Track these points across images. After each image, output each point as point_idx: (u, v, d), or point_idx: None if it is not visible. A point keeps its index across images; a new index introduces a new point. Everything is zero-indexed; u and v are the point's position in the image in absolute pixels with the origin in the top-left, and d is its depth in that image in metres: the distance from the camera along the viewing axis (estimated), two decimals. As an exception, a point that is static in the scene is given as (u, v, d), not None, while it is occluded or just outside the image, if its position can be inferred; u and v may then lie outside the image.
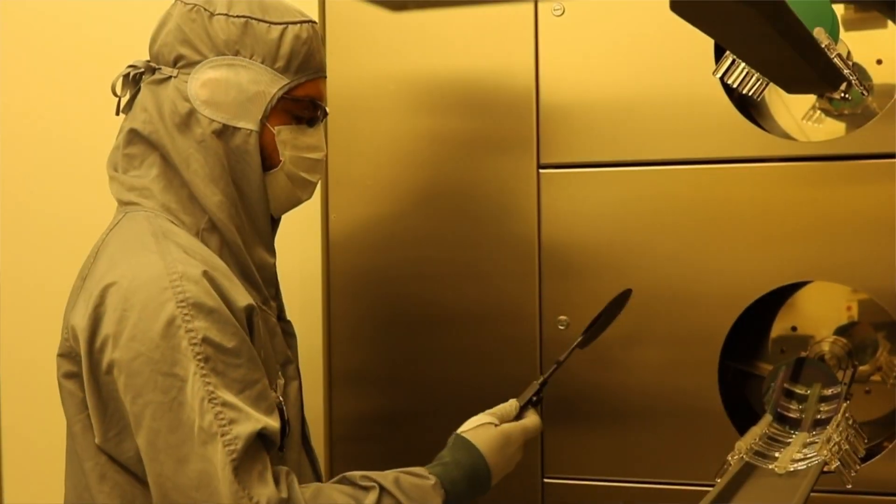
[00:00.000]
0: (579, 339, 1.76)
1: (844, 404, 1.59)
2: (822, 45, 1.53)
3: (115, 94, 1.59)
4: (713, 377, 1.83)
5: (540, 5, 1.92)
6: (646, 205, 1.87)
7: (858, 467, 1.53)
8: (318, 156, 1.63)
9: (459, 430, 1.63)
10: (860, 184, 1.79)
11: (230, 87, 1.53)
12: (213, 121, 1.52)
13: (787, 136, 1.92)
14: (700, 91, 1.83)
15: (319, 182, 1.69)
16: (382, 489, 1.48)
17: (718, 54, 1.75)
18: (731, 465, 1.49)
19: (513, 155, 1.91)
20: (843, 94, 1.70)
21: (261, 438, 1.44)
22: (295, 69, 1.56)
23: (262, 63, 1.54)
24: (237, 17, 1.54)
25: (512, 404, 1.69)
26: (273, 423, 1.45)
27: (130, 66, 1.59)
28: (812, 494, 1.37)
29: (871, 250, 1.77)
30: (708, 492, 1.36)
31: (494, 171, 1.95)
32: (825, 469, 1.45)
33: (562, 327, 1.91)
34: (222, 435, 1.38)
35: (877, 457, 1.77)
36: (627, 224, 1.88)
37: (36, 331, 2.25)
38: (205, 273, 1.44)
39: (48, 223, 2.25)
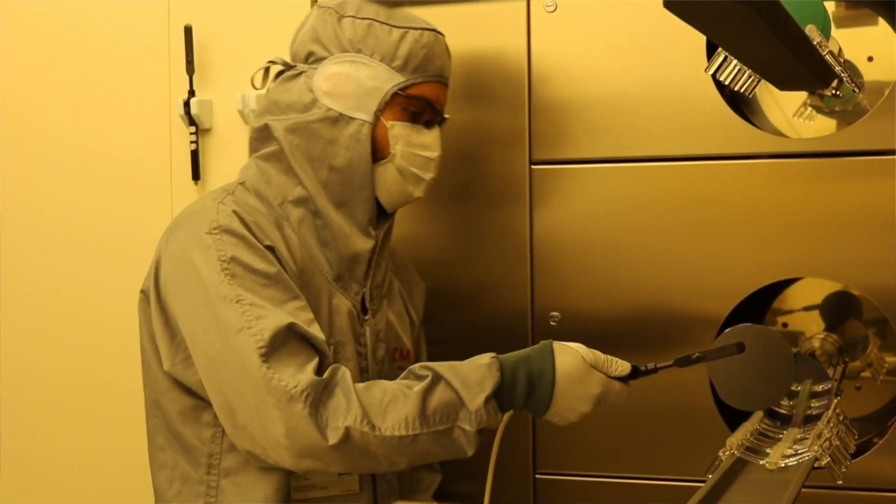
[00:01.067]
0: (694, 357, 1.60)
1: (835, 400, 1.60)
2: (814, 43, 1.53)
3: (254, 87, 1.72)
4: (704, 373, 1.83)
5: (532, 2, 1.92)
6: (637, 201, 1.88)
7: (849, 463, 1.54)
8: (430, 154, 1.70)
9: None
10: (851, 180, 1.79)
11: (350, 81, 1.65)
12: (331, 109, 1.65)
13: (778, 133, 1.92)
14: (692, 88, 1.83)
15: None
16: (436, 376, 1.54)
17: (710, 51, 1.76)
18: (722, 460, 1.49)
19: (505, 150, 1.91)
20: (834, 91, 1.71)
21: (303, 339, 1.52)
22: (412, 69, 1.67)
23: (381, 61, 1.66)
24: (363, 18, 1.67)
25: (612, 360, 1.62)
26: (315, 332, 1.53)
27: (270, 62, 1.72)
28: (803, 490, 1.38)
29: (862, 247, 1.78)
30: (699, 488, 1.37)
31: (486, 166, 1.95)
32: (816, 465, 1.45)
33: (553, 323, 1.91)
34: (248, 328, 1.49)
35: (867, 452, 1.78)
36: (619, 220, 1.88)
37: (37, 330, 2.25)
38: (235, 212, 1.58)
39: (48, 223, 2.23)
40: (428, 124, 1.71)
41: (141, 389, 1.66)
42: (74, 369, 2.22)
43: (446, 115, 1.75)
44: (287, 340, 1.50)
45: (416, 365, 1.59)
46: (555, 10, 1.90)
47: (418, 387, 1.52)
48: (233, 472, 1.60)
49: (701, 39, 1.79)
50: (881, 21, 1.93)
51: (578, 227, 1.90)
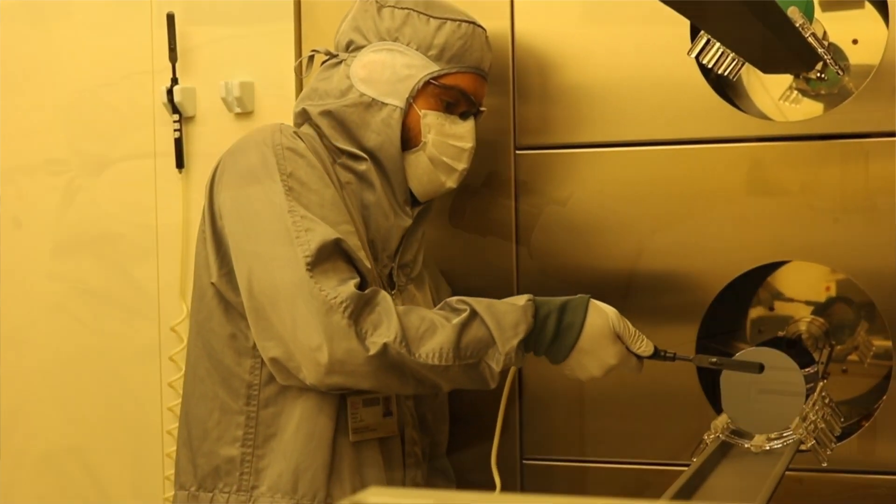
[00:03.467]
0: (713, 360, 1.60)
1: (821, 383, 1.60)
2: (797, 25, 1.53)
3: (297, 75, 1.80)
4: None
5: (516, -14, 1.91)
6: (623, 186, 1.87)
7: (834, 446, 1.54)
8: (462, 145, 1.73)
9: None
10: (838, 163, 1.79)
11: (385, 68, 1.69)
12: (364, 94, 1.69)
13: (763, 117, 1.92)
14: (677, 72, 1.83)
15: None
16: (473, 312, 1.58)
17: (695, 35, 1.75)
18: (707, 444, 1.49)
19: (489, 136, 1.91)
20: (818, 74, 1.71)
21: (348, 259, 1.56)
22: (447, 59, 1.70)
23: (418, 50, 1.70)
24: (402, 8, 1.71)
25: (639, 337, 1.66)
26: (363, 258, 1.57)
27: (313, 51, 1.78)
28: (787, 473, 1.38)
29: (850, 230, 1.78)
30: (685, 471, 1.37)
31: (472, 152, 1.94)
32: (801, 448, 1.46)
33: (540, 309, 1.90)
34: (297, 237, 1.54)
35: (853, 435, 1.78)
36: (605, 205, 1.88)
37: (20, 321, 2.23)
38: (296, 133, 1.64)
39: (31, 212, 2.21)
40: (463, 115, 1.73)
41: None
42: (60, 360, 2.21)
43: (483, 108, 1.77)
44: (333, 255, 1.55)
45: (453, 298, 1.63)
46: (539, -6, 1.90)
47: (456, 319, 1.57)
48: (272, 403, 1.63)
49: (685, 23, 1.78)
50: (867, 4, 1.92)
51: (563, 212, 1.90)
